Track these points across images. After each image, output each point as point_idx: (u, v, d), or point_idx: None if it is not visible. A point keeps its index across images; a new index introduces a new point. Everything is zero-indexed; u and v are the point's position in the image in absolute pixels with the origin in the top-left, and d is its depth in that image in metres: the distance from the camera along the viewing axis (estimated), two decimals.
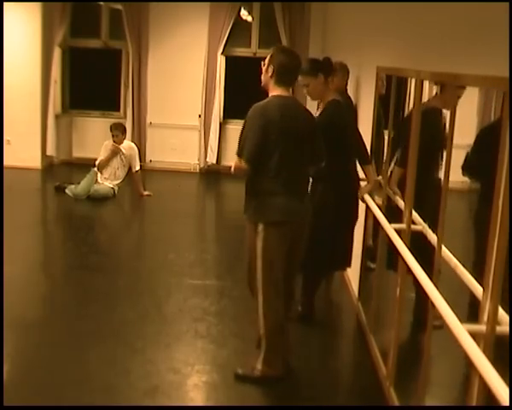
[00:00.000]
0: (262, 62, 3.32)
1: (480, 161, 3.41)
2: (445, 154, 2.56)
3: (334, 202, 3.89)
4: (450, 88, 3.35)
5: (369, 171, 3.92)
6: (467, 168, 3.56)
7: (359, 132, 4.09)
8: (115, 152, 7.15)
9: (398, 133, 3.68)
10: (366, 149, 3.99)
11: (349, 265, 4.23)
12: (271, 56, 3.26)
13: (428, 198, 3.46)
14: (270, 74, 3.25)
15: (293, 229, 3.26)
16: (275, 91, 3.26)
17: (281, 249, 3.22)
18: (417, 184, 3.01)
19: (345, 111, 3.92)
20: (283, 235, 3.22)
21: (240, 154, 3.18)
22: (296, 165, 3.26)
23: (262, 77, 3.31)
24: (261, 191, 3.22)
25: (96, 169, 7.18)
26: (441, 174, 3.82)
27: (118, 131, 7.21)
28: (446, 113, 3.77)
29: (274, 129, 3.15)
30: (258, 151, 3.15)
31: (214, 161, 8.79)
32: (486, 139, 3.32)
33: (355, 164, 4.03)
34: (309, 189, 3.53)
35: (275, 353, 3.29)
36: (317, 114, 3.98)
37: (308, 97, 4.10)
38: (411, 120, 3.53)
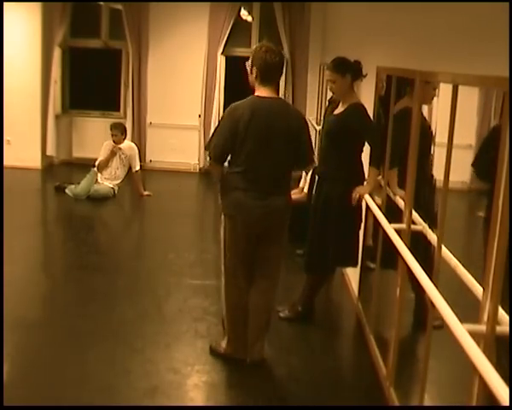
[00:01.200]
0: (246, 63, 3.35)
1: (491, 162, 3.41)
2: (443, 153, 2.56)
3: (338, 201, 3.88)
4: (425, 84, 3.36)
5: (371, 172, 3.91)
6: (478, 171, 3.55)
7: (376, 135, 4.00)
8: (114, 153, 7.14)
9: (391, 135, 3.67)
10: (378, 153, 3.91)
11: (355, 263, 4.20)
12: (253, 57, 3.29)
13: (422, 195, 3.46)
14: (254, 75, 3.29)
15: (255, 226, 3.33)
16: (258, 91, 3.32)
17: (236, 241, 3.35)
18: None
19: (365, 116, 3.90)
20: (238, 228, 3.33)
21: (206, 148, 3.38)
22: (266, 164, 3.27)
23: (249, 78, 3.35)
24: (227, 186, 3.34)
25: (95, 169, 7.19)
26: (434, 171, 3.85)
27: (117, 130, 7.20)
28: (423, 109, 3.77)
29: (243, 128, 3.22)
30: (222, 149, 3.28)
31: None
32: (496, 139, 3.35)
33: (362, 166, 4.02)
34: (287, 188, 3.49)
35: (234, 334, 3.46)
36: (336, 113, 3.99)
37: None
38: (395, 120, 3.55)
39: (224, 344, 3.51)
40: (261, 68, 3.26)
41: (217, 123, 8.63)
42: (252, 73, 3.31)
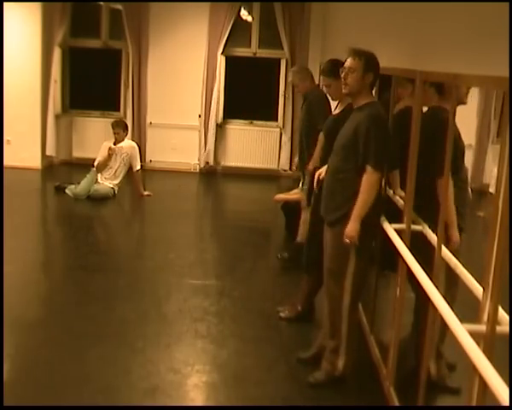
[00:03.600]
0: (350, 68, 3.15)
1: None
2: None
3: None
4: (428, 85, 3.37)
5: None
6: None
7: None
8: (111, 155, 7.14)
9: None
10: None
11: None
12: (370, 62, 3.15)
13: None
14: (368, 81, 3.15)
15: None
16: (369, 97, 3.20)
17: (371, 252, 3.37)
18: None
19: None
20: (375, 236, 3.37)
21: (371, 163, 3.05)
22: None
23: (352, 82, 3.15)
24: None
25: (95, 169, 7.19)
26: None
27: (119, 128, 7.21)
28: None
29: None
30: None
31: (211, 161, 8.80)
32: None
33: None
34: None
35: (353, 351, 3.34)
36: (334, 114, 3.98)
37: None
38: (394, 120, 3.54)
39: (341, 366, 3.31)
40: (376, 76, 3.18)
41: (215, 124, 8.73)
42: (363, 78, 3.13)
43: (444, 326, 2.49)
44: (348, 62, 3.19)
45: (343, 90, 3.28)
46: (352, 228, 3.08)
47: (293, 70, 5.71)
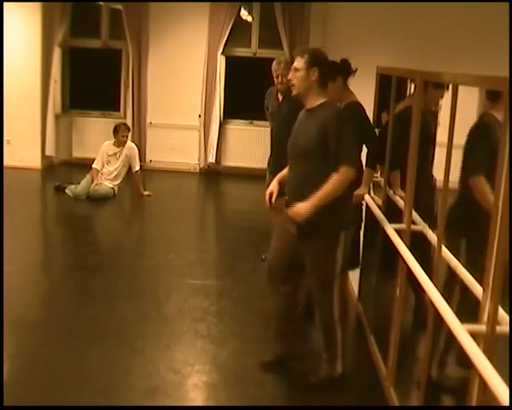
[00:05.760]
0: (294, 68, 3.07)
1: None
2: (444, 153, 2.56)
3: None
4: (432, 87, 3.36)
5: (366, 174, 3.87)
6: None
7: (373, 135, 3.97)
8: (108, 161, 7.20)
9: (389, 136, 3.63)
10: (375, 154, 3.89)
11: (357, 265, 4.22)
12: (311, 58, 3.05)
13: (423, 196, 3.46)
14: (314, 78, 3.05)
15: None
16: (322, 96, 3.10)
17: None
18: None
19: (361, 115, 3.86)
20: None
21: (349, 161, 2.99)
22: None
23: (297, 82, 3.08)
24: (341, 200, 3.09)
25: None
26: (434, 172, 3.84)
27: (127, 131, 7.28)
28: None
29: None
30: None
31: (213, 161, 8.79)
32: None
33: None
34: None
35: (345, 351, 3.39)
36: None
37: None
38: (394, 120, 3.54)
39: (339, 367, 3.33)
40: (324, 70, 3.07)
41: (218, 124, 8.71)
42: (309, 76, 3.04)
43: (449, 336, 2.45)
44: (294, 64, 3.12)
45: (293, 92, 3.21)
46: (302, 207, 2.97)
47: (284, 60, 4.79)
